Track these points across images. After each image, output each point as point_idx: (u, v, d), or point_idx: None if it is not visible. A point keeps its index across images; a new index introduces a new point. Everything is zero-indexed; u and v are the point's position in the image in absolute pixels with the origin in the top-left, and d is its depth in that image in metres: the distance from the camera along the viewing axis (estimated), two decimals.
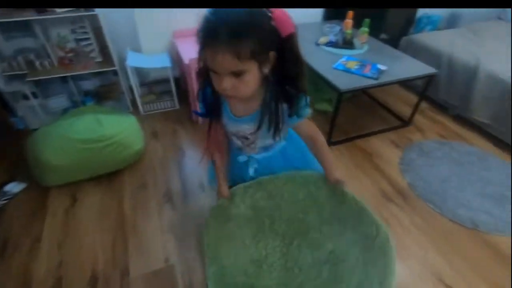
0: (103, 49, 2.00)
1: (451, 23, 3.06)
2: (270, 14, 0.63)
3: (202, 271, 1.29)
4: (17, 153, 1.79)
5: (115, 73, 2.10)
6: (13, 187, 1.59)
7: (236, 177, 0.99)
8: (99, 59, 2.01)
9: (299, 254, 0.90)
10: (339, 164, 1.86)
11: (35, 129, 1.68)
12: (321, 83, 2.08)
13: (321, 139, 0.90)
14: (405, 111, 2.26)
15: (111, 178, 1.69)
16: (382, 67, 1.87)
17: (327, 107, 2.20)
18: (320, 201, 0.91)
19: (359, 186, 1.71)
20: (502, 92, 1.91)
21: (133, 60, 2.01)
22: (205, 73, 0.71)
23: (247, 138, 0.88)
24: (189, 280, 1.27)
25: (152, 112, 2.25)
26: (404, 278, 1.29)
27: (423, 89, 2.02)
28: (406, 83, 2.54)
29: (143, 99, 2.21)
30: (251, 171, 0.97)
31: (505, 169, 1.82)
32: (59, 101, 2.19)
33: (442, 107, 2.36)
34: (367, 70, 1.83)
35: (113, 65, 1.96)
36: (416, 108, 2.10)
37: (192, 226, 1.47)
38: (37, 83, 1.99)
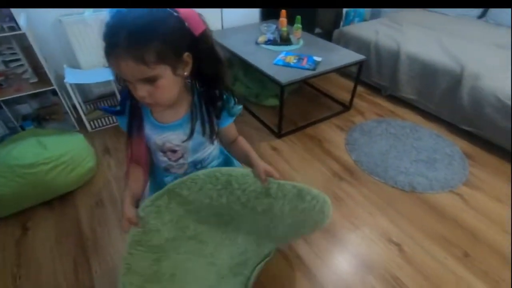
0: (37, 69, 1.91)
1: (375, 14, 3.38)
2: (176, 14, 0.59)
3: None
4: None
5: (54, 92, 2.01)
6: None
7: None
8: (34, 80, 1.91)
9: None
10: (291, 153, 1.97)
11: None
12: (265, 80, 2.19)
13: (242, 137, 0.88)
14: (345, 97, 2.46)
15: (63, 200, 1.62)
16: (317, 58, 2.03)
17: (275, 102, 2.32)
18: (250, 205, 0.81)
19: (312, 170, 1.83)
20: (422, 70, 2.17)
21: (71, 77, 1.94)
22: (122, 81, 0.65)
23: (174, 151, 0.78)
24: None
25: (101, 128, 2.18)
26: (359, 243, 1.42)
27: (357, 75, 2.22)
28: (342, 71, 2.76)
29: (88, 116, 2.14)
30: None
31: (433, 137, 2.08)
32: None
33: (376, 90, 2.61)
34: (305, 63, 1.97)
35: (50, 84, 1.88)
36: (353, 93, 2.30)
37: None
38: None
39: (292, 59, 2.02)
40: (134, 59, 0.56)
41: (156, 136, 0.76)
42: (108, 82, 2.02)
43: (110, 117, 2.21)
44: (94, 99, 2.29)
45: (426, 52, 2.17)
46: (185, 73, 0.66)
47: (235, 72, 2.47)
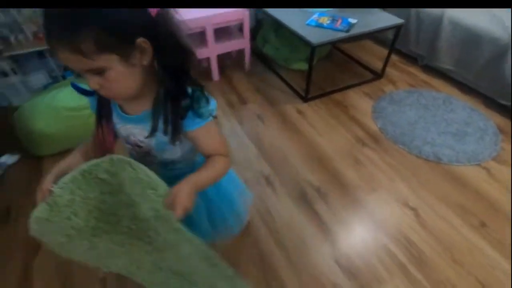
0: None
1: None
2: None
3: None
4: (1, 129, 1.83)
5: None
6: (7, 159, 1.65)
7: None
8: None
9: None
10: (317, 117, 1.98)
11: (18, 106, 1.71)
12: (296, 42, 2.16)
13: (224, 159, 0.70)
14: (378, 65, 2.37)
15: None
16: (353, 20, 1.95)
17: (304, 66, 2.29)
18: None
19: (336, 135, 1.85)
20: (465, 37, 2.03)
21: None
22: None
23: (139, 147, 0.71)
24: None
25: None
26: (375, 205, 1.46)
27: (392, 41, 2.13)
28: (377, 38, 2.64)
29: None
30: None
31: (467, 110, 1.99)
32: (39, 78, 2.19)
33: (411, 59, 2.48)
34: (338, 24, 1.91)
35: None
36: (387, 60, 2.21)
37: None
38: (15, 59, 1.99)
39: (325, 20, 1.96)
40: (70, 50, 0.48)
41: (120, 126, 0.70)
42: None
43: None
44: None
45: (472, 18, 2.01)
46: (144, 62, 0.55)
47: (265, 33, 2.44)
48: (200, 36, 2.09)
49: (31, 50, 1.91)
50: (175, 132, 0.63)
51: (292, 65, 2.35)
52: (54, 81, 2.21)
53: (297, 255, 1.28)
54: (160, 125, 0.63)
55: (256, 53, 2.52)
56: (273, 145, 1.79)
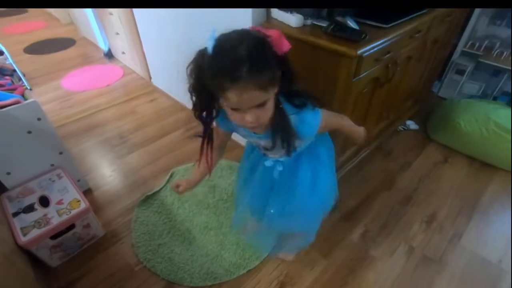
0: None
1: None
2: (267, 35, 0.61)
3: None
4: (428, 106, 2.24)
5: None
6: (411, 124, 2.10)
7: (255, 184, 1.01)
8: None
9: None
10: None
11: (443, 98, 1.99)
12: None
13: (346, 123, 0.94)
14: None
15: (485, 168, 1.79)
16: None
17: None
18: None
19: None
20: None
21: None
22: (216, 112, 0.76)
23: (267, 149, 0.87)
24: None
25: None
26: None
27: None
28: None
29: None
30: (275, 173, 0.95)
31: None
32: (472, 87, 2.39)
33: None
34: None
35: None
36: None
37: None
38: (477, 65, 2.24)
39: None
40: (257, 87, 0.59)
41: (249, 138, 0.87)
42: None
43: None
44: None
45: None
46: (276, 91, 0.67)
47: None
48: None
49: (500, 65, 2.06)
50: (290, 147, 0.76)
51: None
52: (481, 96, 2.34)
53: None
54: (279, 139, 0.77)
55: None
56: None
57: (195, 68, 0.65)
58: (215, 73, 0.60)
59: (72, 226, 1.26)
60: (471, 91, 2.40)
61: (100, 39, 3.12)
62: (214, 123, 0.83)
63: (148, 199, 1.58)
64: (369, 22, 1.21)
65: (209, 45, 0.60)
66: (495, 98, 2.28)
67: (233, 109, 0.65)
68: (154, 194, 1.61)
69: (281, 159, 0.93)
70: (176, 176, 1.74)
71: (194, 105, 0.72)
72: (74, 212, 1.23)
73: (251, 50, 0.57)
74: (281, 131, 0.74)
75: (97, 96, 2.52)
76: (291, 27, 1.19)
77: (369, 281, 1.25)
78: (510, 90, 2.28)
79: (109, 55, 3.11)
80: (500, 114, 1.67)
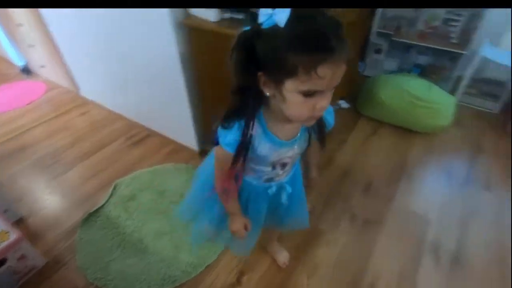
0: (465, 34, 2.14)
1: None
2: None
3: None
4: (356, 86, 2.39)
5: (453, 58, 2.24)
6: (342, 103, 2.27)
7: (255, 212, 0.89)
8: (455, 41, 2.20)
9: None
10: None
11: (368, 76, 2.18)
12: None
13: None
14: None
15: (407, 133, 2.00)
16: None
17: None
18: None
19: None
20: None
21: (488, 52, 2.04)
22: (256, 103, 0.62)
23: (284, 164, 0.78)
24: None
25: (468, 105, 2.30)
26: None
27: None
28: None
29: (467, 90, 2.26)
30: (283, 198, 0.88)
31: None
32: (391, 63, 2.67)
33: None
34: None
35: (464, 49, 2.10)
36: None
37: None
38: (391, 44, 2.50)
39: None
40: (345, 62, 0.52)
41: (273, 154, 0.72)
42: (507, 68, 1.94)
43: (482, 100, 2.23)
44: (482, 79, 2.31)
45: None
46: None
47: None
48: None
49: (410, 42, 2.32)
50: (324, 141, 0.75)
51: None
52: (398, 71, 2.61)
53: None
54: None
55: None
56: None
57: (249, 51, 0.54)
58: (302, 47, 0.48)
59: (3, 261, 1.14)
60: (391, 67, 2.67)
61: (13, 53, 2.81)
62: (224, 147, 0.66)
63: (91, 217, 1.49)
64: None
65: (280, 18, 0.48)
66: (409, 71, 2.56)
67: (307, 94, 0.53)
68: (97, 210, 1.52)
69: (286, 179, 0.86)
70: (120, 187, 1.66)
71: (242, 106, 0.61)
72: (2, 245, 1.11)
73: (328, 19, 0.50)
74: (317, 124, 0.69)
75: (20, 116, 2.28)
76: (210, 21, 1.21)
77: (320, 253, 1.34)
78: (420, 63, 2.59)
79: (27, 70, 2.82)
80: (411, 84, 1.90)
